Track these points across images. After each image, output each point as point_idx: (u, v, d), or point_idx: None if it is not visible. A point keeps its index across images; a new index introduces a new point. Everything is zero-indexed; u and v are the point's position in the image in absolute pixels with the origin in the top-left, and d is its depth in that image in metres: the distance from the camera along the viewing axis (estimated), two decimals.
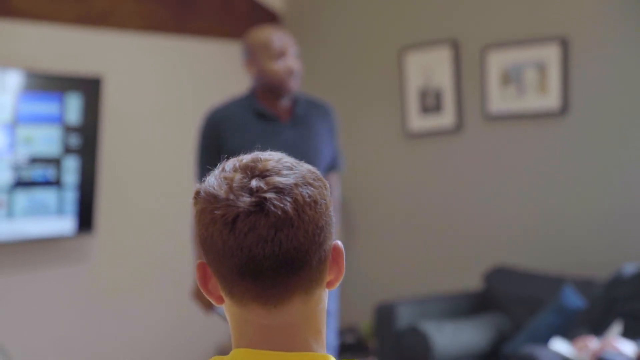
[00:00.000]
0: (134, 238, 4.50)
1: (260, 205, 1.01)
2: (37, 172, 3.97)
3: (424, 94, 4.64)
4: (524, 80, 4.25)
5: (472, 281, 4.41)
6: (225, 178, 1.04)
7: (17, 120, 3.89)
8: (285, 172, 1.05)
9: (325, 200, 1.06)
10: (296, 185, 1.04)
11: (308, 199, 1.03)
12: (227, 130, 2.86)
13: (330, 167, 3.09)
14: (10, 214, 3.89)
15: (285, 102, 2.95)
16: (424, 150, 4.68)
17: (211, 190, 1.04)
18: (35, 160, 3.96)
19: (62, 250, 4.25)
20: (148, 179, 4.57)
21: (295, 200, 1.02)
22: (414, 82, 4.67)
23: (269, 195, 1.01)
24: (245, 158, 1.08)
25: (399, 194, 4.79)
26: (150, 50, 4.64)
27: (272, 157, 1.07)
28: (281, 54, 2.88)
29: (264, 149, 3.26)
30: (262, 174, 1.04)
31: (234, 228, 1.01)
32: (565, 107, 4.13)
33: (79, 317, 4.31)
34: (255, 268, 1.01)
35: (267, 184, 1.02)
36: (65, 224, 4.08)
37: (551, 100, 4.16)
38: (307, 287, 1.05)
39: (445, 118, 4.56)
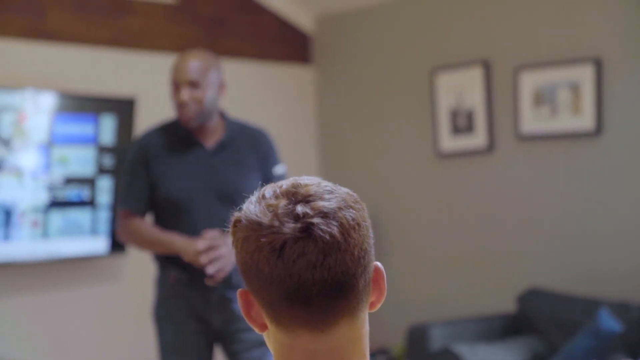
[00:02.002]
0: None
1: (307, 230, 1.01)
2: (72, 192, 4.00)
3: (455, 115, 4.63)
4: (557, 100, 4.22)
5: (505, 303, 4.37)
6: (269, 205, 1.04)
7: (53, 141, 3.93)
8: (327, 196, 1.04)
9: (366, 222, 1.06)
10: (340, 208, 1.03)
11: (352, 222, 1.03)
12: (153, 155, 2.92)
13: None
14: (45, 233, 3.92)
15: (212, 128, 2.94)
16: (456, 171, 4.66)
17: (254, 217, 1.04)
18: (70, 181, 3.99)
19: (95, 269, 4.28)
20: None
21: (341, 224, 1.02)
22: (445, 103, 4.66)
23: (315, 220, 1.01)
24: (285, 184, 1.07)
25: (431, 215, 4.77)
26: None
27: (312, 182, 1.07)
28: (176, 86, 2.88)
29: (188, 173, 3.27)
30: (306, 199, 1.03)
31: (282, 255, 1.00)
32: (599, 128, 4.10)
33: (111, 335, 4.32)
34: (304, 294, 1.01)
35: (312, 209, 1.02)
36: (99, 244, 4.11)
37: (585, 120, 4.13)
38: (353, 311, 1.05)
39: (477, 138, 4.54)
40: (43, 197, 3.91)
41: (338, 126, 5.22)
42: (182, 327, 2.88)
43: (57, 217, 3.96)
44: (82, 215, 4.04)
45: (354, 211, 1.04)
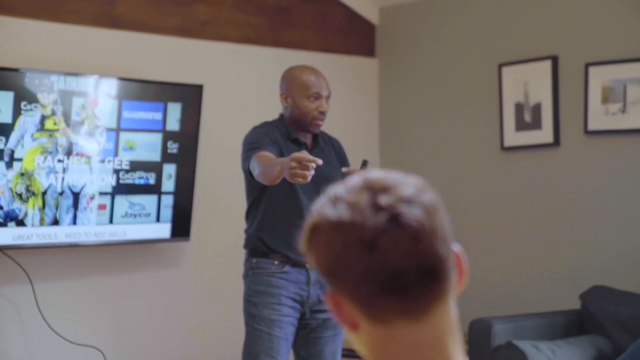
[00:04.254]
0: (227, 244, 4.55)
1: (395, 220, 1.00)
2: (138, 178, 4.06)
3: (521, 109, 4.57)
4: (626, 97, 4.14)
5: (569, 300, 4.31)
6: (350, 202, 1.02)
7: (121, 127, 3.99)
8: (402, 184, 1.04)
9: (441, 204, 1.06)
10: (418, 195, 1.03)
11: (432, 206, 1.03)
12: (276, 140, 3.24)
13: None
14: (111, 216, 3.98)
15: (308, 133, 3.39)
16: (521, 166, 4.61)
17: (336, 219, 1.02)
18: (136, 166, 4.04)
19: (158, 253, 4.33)
20: (242, 187, 4.60)
21: (424, 209, 1.02)
22: (512, 98, 4.60)
23: (401, 209, 1.00)
24: (355, 181, 1.05)
25: (494, 209, 4.73)
26: (248, 60, 4.70)
27: (381, 174, 1.06)
28: (317, 96, 3.28)
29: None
30: (384, 190, 1.02)
31: (375, 248, 0.99)
32: None
33: (172, 318, 4.37)
34: (401, 284, 1.00)
35: (394, 198, 1.01)
36: (163, 228, 4.15)
37: None
38: (444, 294, 1.05)
39: (543, 133, 4.48)
40: (110, 182, 3.97)
41: (402, 119, 5.19)
42: (281, 301, 3.20)
43: (123, 202, 4.02)
44: (147, 200, 4.09)
45: (430, 195, 1.04)
